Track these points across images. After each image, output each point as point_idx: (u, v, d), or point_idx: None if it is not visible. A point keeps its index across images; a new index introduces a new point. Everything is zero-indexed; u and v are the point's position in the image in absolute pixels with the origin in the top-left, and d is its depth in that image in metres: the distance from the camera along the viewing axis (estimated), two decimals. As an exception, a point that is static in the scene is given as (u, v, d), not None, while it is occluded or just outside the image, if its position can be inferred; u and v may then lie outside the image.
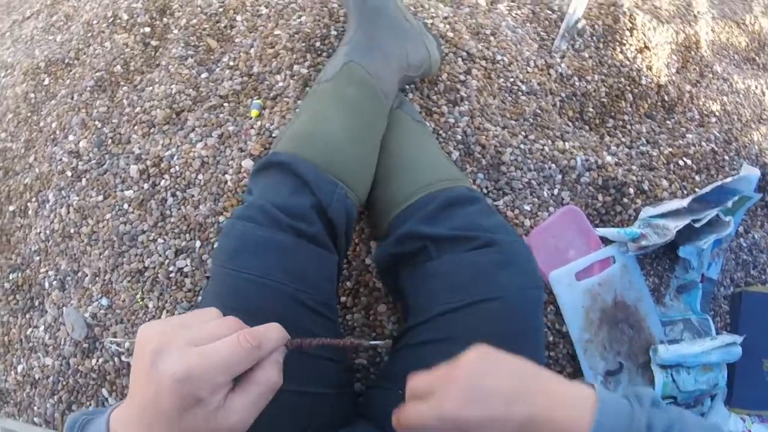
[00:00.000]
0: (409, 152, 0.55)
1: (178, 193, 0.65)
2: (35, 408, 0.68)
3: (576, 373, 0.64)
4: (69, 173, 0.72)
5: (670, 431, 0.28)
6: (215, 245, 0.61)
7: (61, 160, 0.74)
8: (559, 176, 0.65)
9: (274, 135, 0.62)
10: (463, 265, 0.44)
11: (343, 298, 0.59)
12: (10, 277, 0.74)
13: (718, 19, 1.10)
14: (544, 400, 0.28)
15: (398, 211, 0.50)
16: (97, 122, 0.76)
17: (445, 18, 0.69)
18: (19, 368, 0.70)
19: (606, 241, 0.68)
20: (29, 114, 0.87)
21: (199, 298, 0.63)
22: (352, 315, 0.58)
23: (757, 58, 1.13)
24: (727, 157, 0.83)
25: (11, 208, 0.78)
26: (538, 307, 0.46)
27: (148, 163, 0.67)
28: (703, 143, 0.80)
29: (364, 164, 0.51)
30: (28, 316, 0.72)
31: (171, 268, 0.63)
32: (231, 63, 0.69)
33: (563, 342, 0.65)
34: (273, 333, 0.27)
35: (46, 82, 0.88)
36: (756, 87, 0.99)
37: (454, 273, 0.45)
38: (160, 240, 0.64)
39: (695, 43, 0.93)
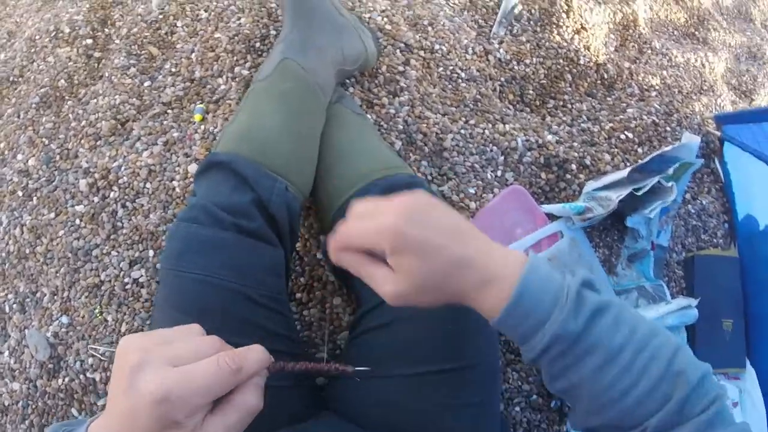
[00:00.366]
0: (349, 144, 0.56)
1: (128, 203, 0.65)
2: None
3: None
4: (20, 193, 0.72)
5: (604, 310, 0.27)
6: (167, 251, 0.62)
7: (11, 180, 0.73)
8: (502, 158, 0.67)
9: (217, 138, 0.63)
10: None
11: (298, 295, 0.60)
12: None
13: (656, -3, 1.14)
14: (481, 248, 0.29)
15: (341, 202, 0.51)
16: (44, 139, 0.75)
17: (383, 11, 0.71)
18: None
19: (552, 217, 0.71)
20: (-24, 136, 0.84)
21: (157, 306, 0.63)
22: (308, 310, 0.60)
23: (696, 32, 1.17)
24: (669, 128, 0.86)
25: None
26: None
27: (97, 176, 0.67)
28: (644, 116, 0.84)
29: (303, 158, 0.52)
30: None
31: (126, 280, 0.63)
32: (173, 69, 0.69)
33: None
34: (254, 355, 0.27)
35: (-8, 102, 0.86)
36: (696, 60, 1.04)
37: None
38: (113, 252, 0.64)
39: (633, 21, 0.96)
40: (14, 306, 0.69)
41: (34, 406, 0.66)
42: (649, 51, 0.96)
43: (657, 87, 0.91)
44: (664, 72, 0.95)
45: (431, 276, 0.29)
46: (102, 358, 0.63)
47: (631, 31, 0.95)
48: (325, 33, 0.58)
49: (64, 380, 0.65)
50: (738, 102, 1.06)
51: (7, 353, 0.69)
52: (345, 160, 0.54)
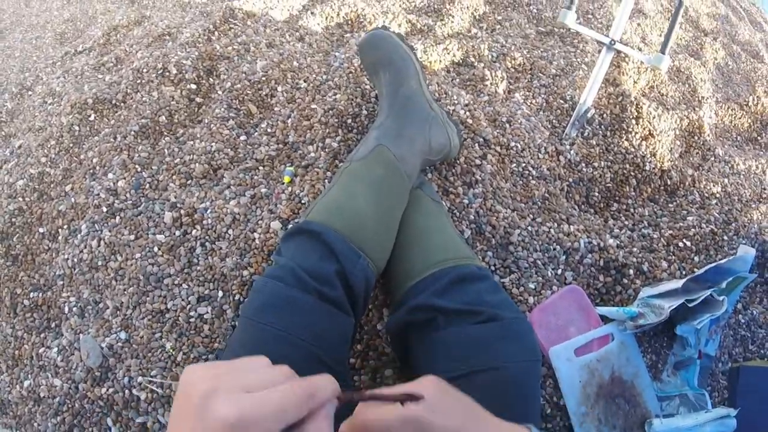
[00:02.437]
0: (426, 229, 0.60)
1: (207, 243, 0.69)
2: (35, 424, 0.69)
3: (571, 446, 0.66)
4: (104, 209, 0.76)
5: None
6: (237, 297, 0.65)
7: (98, 195, 0.78)
8: (563, 257, 0.69)
9: (303, 201, 0.67)
10: (467, 336, 0.48)
11: (352, 360, 0.62)
12: (31, 296, 0.77)
13: (721, 102, 1.16)
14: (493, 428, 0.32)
15: (413, 283, 0.54)
16: (137, 165, 0.81)
17: (466, 105, 0.76)
18: (26, 383, 0.71)
19: (605, 319, 0.72)
20: (71, 145, 0.92)
21: (216, 344, 0.66)
22: (359, 376, 0.62)
23: (759, 137, 1.18)
24: (726, 238, 0.86)
25: (41, 230, 0.82)
26: (536, 378, 0.50)
27: (182, 212, 0.71)
28: (703, 225, 0.84)
29: (385, 238, 0.56)
30: (42, 335, 0.75)
31: (192, 313, 0.66)
32: (269, 129, 0.75)
33: (560, 415, 0.68)
34: (326, 384, 0.27)
35: (92, 117, 0.94)
36: (757, 167, 1.04)
37: (457, 343, 0.48)
38: (184, 285, 0.68)
39: (698, 128, 0.98)
40: (74, 309, 0.73)
41: (70, 405, 0.68)
42: (712, 158, 0.98)
43: (717, 195, 0.92)
44: (726, 180, 0.96)
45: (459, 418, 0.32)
46: (155, 389, 0.65)
47: (696, 137, 0.97)
48: (416, 124, 0.63)
49: (108, 390, 0.67)
50: (796, 211, 1.04)
51: (56, 350, 0.72)
52: (421, 245, 0.58)
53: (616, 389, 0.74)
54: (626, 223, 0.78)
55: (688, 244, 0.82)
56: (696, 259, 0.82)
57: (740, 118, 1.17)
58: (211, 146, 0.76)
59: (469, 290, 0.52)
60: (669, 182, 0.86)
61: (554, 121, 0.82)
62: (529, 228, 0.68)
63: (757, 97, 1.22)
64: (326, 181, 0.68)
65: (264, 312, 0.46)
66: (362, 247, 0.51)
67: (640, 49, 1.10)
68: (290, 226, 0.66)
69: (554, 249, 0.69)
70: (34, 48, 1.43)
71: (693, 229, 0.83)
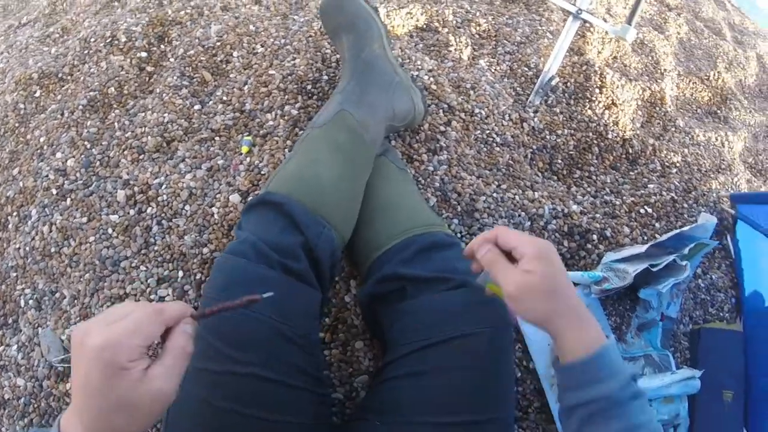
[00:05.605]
0: (392, 197, 0.59)
1: (164, 221, 0.66)
2: (3, 429, 0.66)
3: (543, 407, 0.67)
4: (54, 191, 0.72)
5: (640, 397, 0.36)
6: (198, 276, 0.63)
7: (47, 176, 0.73)
8: (528, 223, 0.70)
9: (263, 172, 0.65)
10: (438, 303, 0.48)
11: (321, 334, 0.61)
12: None
13: (683, 75, 1.19)
14: (579, 309, 0.37)
15: (379, 252, 0.53)
16: (86, 142, 0.76)
17: (430, 71, 0.74)
18: None
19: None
20: (17, 125, 0.86)
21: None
22: (330, 351, 0.61)
23: (718, 111, 1.22)
24: (686, 205, 0.90)
25: None
26: (509, 343, 0.50)
27: (136, 189, 0.68)
28: (664, 192, 0.87)
29: (350, 207, 0.55)
30: (0, 333, 0.71)
31: (152, 297, 0.63)
32: (224, 98, 0.71)
33: (530, 378, 0.69)
34: (174, 304, 0.31)
35: (38, 94, 0.87)
36: (716, 139, 1.08)
37: (429, 311, 0.48)
38: (142, 267, 0.65)
39: (660, 99, 1.01)
40: (30, 302, 0.69)
41: (36, 405, 0.65)
42: (673, 128, 1.00)
43: (678, 164, 0.95)
44: (686, 150, 0.99)
45: (551, 287, 0.37)
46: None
47: (657, 108, 0.99)
48: (380, 89, 0.61)
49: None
50: (753, 180, 1.09)
51: (15, 347, 0.69)
52: (387, 213, 0.57)
53: (582, 351, 0.76)
54: (589, 189, 0.80)
55: (650, 210, 0.84)
56: (657, 225, 0.85)
57: (701, 92, 1.20)
58: (164, 117, 0.72)
59: (437, 257, 0.51)
60: (631, 151, 0.88)
61: (518, 88, 0.81)
62: (494, 195, 0.68)
63: (718, 72, 1.26)
64: (286, 150, 0.65)
65: (227, 290, 0.44)
66: (326, 217, 0.50)
67: (605, 20, 1.11)
68: (250, 198, 0.63)
69: (519, 215, 0.69)
70: (-28, 23, 1.31)
71: (654, 197, 0.85)
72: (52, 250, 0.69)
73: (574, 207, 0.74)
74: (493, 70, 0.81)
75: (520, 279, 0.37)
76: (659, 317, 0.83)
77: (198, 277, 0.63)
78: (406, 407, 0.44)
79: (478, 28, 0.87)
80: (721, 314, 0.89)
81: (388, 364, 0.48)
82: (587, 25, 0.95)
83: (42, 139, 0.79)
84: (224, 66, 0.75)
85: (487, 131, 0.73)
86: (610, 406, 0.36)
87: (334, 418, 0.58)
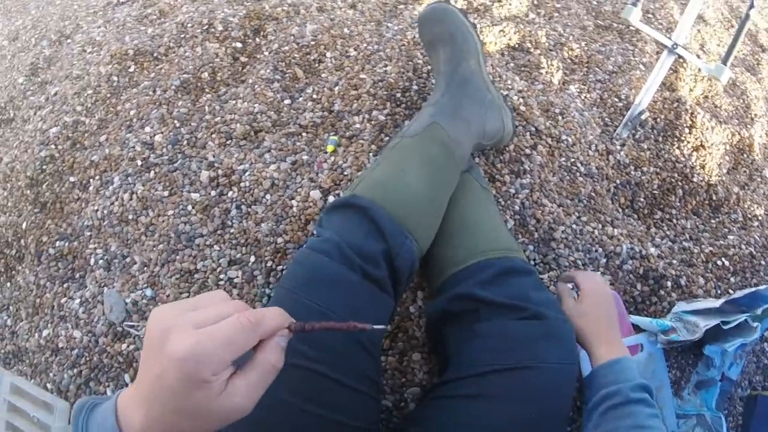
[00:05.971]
0: (473, 216, 0.58)
1: (243, 207, 0.67)
2: (51, 374, 0.69)
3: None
4: (139, 162, 0.75)
5: (650, 402, 0.45)
6: (269, 264, 0.64)
7: (133, 147, 0.76)
8: (604, 260, 0.67)
9: (345, 173, 0.66)
10: (511, 331, 0.47)
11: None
12: (56, 245, 0.76)
13: (772, 123, 1.12)
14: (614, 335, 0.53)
15: (456, 270, 0.53)
16: (176, 121, 0.79)
17: (519, 92, 0.73)
18: (45, 333, 0.71)
19: (637, 328, 0.70)
20: (109, 95, 0.90)
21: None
22: (386, 357, 0.61)
23: (805, 165, 1.14)
24: (764, 262, 0.84)
25: (72, 179, 0.81)
26: (572, 382, 0.48)
27: (220, 172, 0.70)
28: (743, 246, 0.82)
29: (433, 221, 0.54)
30: (65, 285, 0.74)
31: (222, 276, 0.65)
32: (314, 96, 0.73)
33: (581, 420, 0.67)
34: (273, 314, 0.28)
35: (132, 69, 0.92)
36: (801, 195, 1.01)
37: (500, 337, 0.47)
38: (216, 247, 0.66)
39: (749, 146, 0.95)
40: (100, 262, 0.72)
41: (88, 358, 0.67)
42: (759, 179, 0.94)
43: (760, 218, 0.89)
44: (770, 203, 0.92)
45: (596, 314, 0.53)
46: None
47: (745, 155, 0.94)
48: (473, 105, 0.61)
49: (129, 347, 0.67)
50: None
51: (78, 301, 0.71)
52: (467, 231, 0.56)
53: (637, 401, 0.73)
54: (668, 233, 0.76)
55: (727, 263, 0.79)
56: (732, 279, 0.80)
57: (790, 141, 1.12)
58: (254, 107, 0.74)
59: (514, 284, 0.50)
60: (714, 197, 0.83)
61: (607, 119, 0.79)
62: (574, 226, 0.66)
63: (809, 120, 1.17)
64: (370, 153, 0.66)
65: (306, 286, 0.45)
66: (410, 228, 0.50)
67: (698, 56, 1.06)
68: (330, 197, 0.64)
69: (596, 251, 0.67)
70: (75, -4, 1.41)
71: (733, 249, 0.80)
72: (130, 217, 0.72)
73: (652, 249, 0.71)
74: (582, 98, 0.79)
75: (573, 306, 0.53)
76: (719, 377, 0.79)
77: (269, 264, 0.65)
78: (455, 428, 0.44)
79: (570, 52, 0.85)
80: (782, 383, 0.83)
81: (447, 383, 0.48)
82: (680, 60, 0.92)
83: (132, 112, 0.83)
84: (317, 65, 0.77)
85: (572, 159, 0.71)
86: (622, 403, 0.43)
87: (381, 425, 0.58)
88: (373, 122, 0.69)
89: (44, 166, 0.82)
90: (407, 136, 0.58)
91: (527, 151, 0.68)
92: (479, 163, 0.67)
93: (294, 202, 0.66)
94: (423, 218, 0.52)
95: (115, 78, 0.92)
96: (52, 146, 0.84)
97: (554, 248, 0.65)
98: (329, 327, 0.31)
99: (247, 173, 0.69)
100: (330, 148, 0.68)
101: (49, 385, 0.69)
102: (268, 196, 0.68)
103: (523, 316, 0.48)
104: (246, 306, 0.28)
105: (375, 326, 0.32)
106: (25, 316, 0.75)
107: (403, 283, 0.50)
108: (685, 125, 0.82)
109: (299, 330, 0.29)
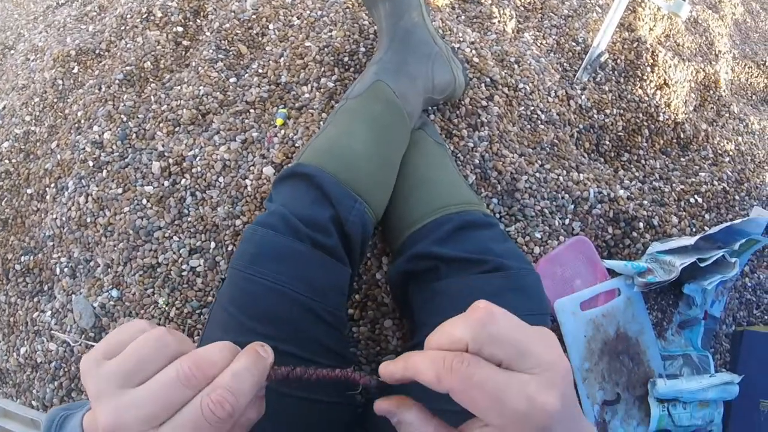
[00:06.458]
0: (428, 173, 0.56)
1: (197, 193, 0.66)
2: (34, 391, 0.69)
3: (574, 402, 0.64)
4: (90, 163, 0.73)
5: None
6: (230, 248, 0.62)
7: (83, 149, 0.75)
8: (572, 206, 0.66)
9: (297, 145, 0.63)
10: (472, 286, 0.45)
11: (350, 311, 0.60)
12: (22, 260, 0.75)
13: (738, 59, 1.11)
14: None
15: (413, 230, 0.51)
16: (122, 116, 0.77)
17: (472, 43, 0.71)
18: (22, 350, 0.70)
19: (612, 273, 0.69)
20: (55, 100, 0.88)
21: (209, 298, 0.64)
22: (358, 328, 0.59)
23: (774, 99, 1.13)
24: (738, 197, 0.84)
25: (29, 191, 0.79)
26: None
27: (171, 161, 0.68)
28: (715, 182, 0.81)
29: (384, 182, 0.52)
30: (36, 299, 0.73)
31: (184, 267, 0.64)
32: (260, 70, 0.70)
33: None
34: (213, 355, 0.23)
35: (76, 70, 0.89)
36: (771, 129, 1.00)
37: (461, 294, 0.45)
38: (175, 237, 0.65)
39: (714, 82, 0.94)
40: (66, 270, 0.71)
41: (66, 369, 0.67)
42: (727, 114, 0.93)
43: (731, 153, 0.89)
44: (740, 138, 0.92)
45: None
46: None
47: (711, 92, 0.92)
48: (418, 59, 0.58)
49: None
50: (809, 176, 1.01)
51: (49, 313, 0.71)
52: (421, 189, 0.54)
53: (621, 346, 0.72)
54: (637, 174, 0.75)
55: (700, 200, 0.79)
56: (707, 216, 0.79)
57: (756, 77, 1.12)
58: (199, 90, 0.72)
59: (473, 238, 0.48)
60: (682, 135, 0.82)
61: (565, 64, 0.77)
62: (537, 174, 0.65)
63: (776, 56, 1.17)
64: (321, 123, 0.64)
65: (254, 262, 0.42)
66: (359, 191, 0.48)
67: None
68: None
69: (562, 197, 0.65)
70: (15, 5, 1.36)
71: (705, 186, 0.80)
72: (88, 220, 0.71)
73: (621, 192, 0.70)
74: (538, 44, 0.77)
75: None
76: (702, 315, 0.78)
77: (230, 248, 0.63)
78: (430, 392, 0.42)
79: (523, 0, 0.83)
80: (767, 317, 0.83)
81: (415, 347, 0.46)
82: None
83: (79, 114, 0.81)
84: (260, 39, 0.74)
85: (532, 108, 0.69)
86: None
87: (359, 396, 0.57)
88: (322, 90, 0.66)
89: (1, 183, 0.80)
90: (351, 98, 0.55)
91: (483, 102, 0.66)
92: (434, 119, 0.65)
93: (248, 182, 0.64)
94: (373, 180, 0.50)
95: (60, 81, 0.89)
96: (6, 161, 0.82)
97: (519, 199, 0.63)
98: (319, 376, 0.28)
99: (197, 158, 0.67)
100: (279, 121, 0.66)
101: (34, 402, 0.68)
102: (221, 179, 0.65)
103: (485, 269, 0.46)
104: (187, 340, 0.24)
105: (371, 377, 0.29)
106: (1, 337, 0.73)
107: (358, 249, 0.48)
108: (646, 64, 0.80)
109: (282, 378, 0.26)
